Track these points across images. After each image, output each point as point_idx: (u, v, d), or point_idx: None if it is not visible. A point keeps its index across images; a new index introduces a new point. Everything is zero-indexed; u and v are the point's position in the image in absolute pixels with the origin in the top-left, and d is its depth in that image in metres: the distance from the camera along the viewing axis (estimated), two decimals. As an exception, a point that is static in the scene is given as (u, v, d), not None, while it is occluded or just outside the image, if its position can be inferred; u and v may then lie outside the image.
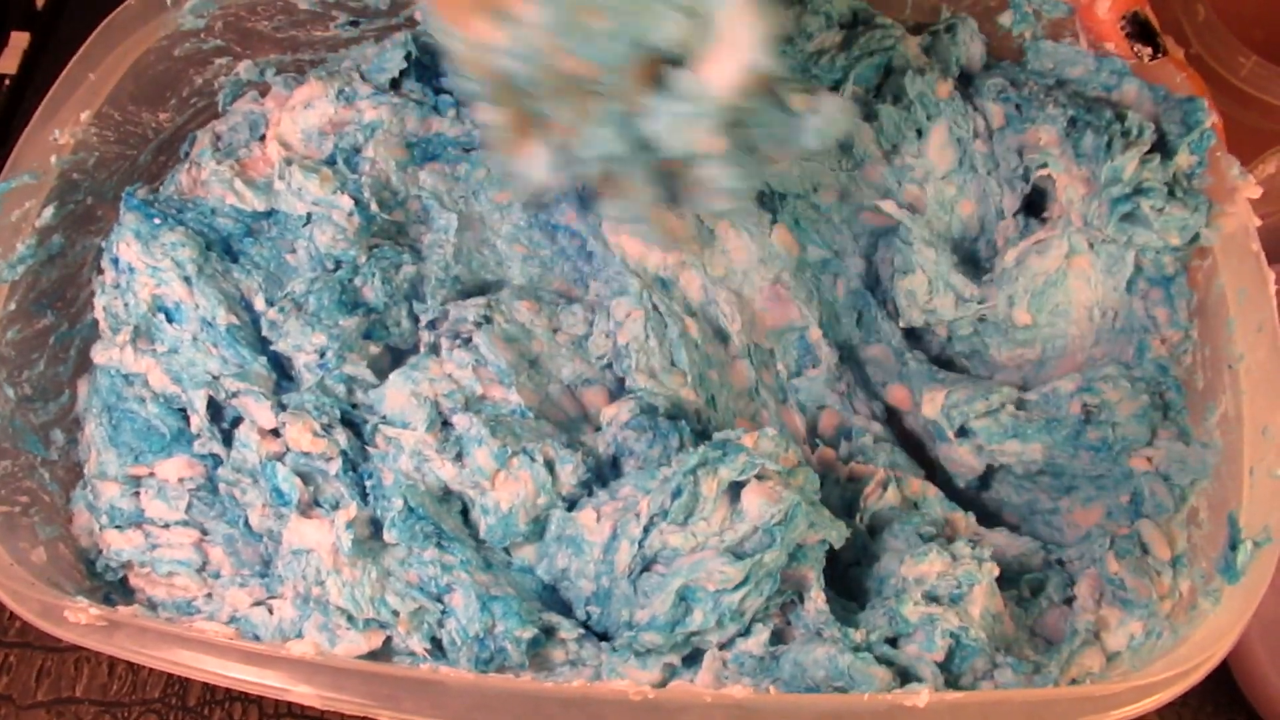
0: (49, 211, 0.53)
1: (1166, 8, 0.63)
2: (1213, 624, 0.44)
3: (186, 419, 0.55)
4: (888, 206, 0.59)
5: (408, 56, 0.61)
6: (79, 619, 0.44)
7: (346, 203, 0.57)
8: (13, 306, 0.52)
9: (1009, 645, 0.49)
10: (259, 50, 0.61)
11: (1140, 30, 0.53)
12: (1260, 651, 0.56)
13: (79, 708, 0.59)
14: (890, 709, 0.41)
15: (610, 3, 0.42)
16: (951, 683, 0.47)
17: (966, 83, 0.60)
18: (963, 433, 0.56)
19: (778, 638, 0.49)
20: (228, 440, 0.54)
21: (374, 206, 0.58)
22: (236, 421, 0.54)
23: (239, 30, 0.60)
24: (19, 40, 0.77)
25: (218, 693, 0.59)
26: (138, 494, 0.54)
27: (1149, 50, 0.53)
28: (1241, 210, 0.51)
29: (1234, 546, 0.45)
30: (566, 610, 0.51)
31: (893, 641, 0.48)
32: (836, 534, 0.50)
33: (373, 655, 0.49)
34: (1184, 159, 0.53)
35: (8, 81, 0.75)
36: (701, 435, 0.54)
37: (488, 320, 0.56)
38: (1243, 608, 0.44)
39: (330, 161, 0.59)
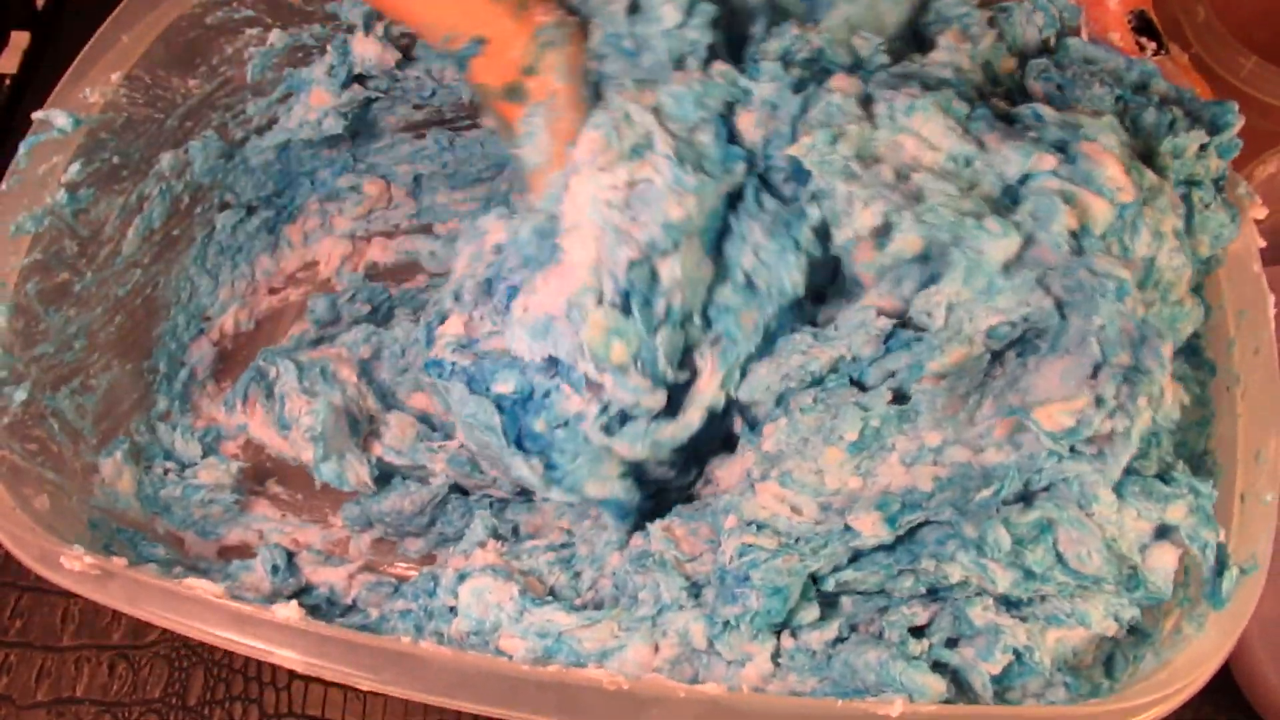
0: (75, 168, 0.54)
1: (1166, 8, 0.62)
2: (1196, 649, 0.44)
3: None
4: None
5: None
6: (73, 566, 0.45)
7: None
8: (38, 256, 0.53)
9: (1076, 670, 0.48)
10: (289, 21, 0.62)
11: (1145, 27, 0.53)
12: (1260, 651, 0.55)
13: (79, 708, 0.59)
14: (864, 717, 0.41)
15: None
16: (1000, 695, 0.47)
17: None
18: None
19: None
20: None
21: None
22: None
23: (270, 0, 0.61)
24: (19, 40, 0.77)
25: (218, 692, 0.60)
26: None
27: (1154, 45, 0.53)
28: (1246, 230, 0.50)
29: (1220, 573, 0.45)
30: None
31: (953, 642, 0.48)
32: None
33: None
34: (1212, 163, 0.51)
35: (8, 81, 0.76)
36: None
37: None
38: (1227, 634, 0.44)
39: None
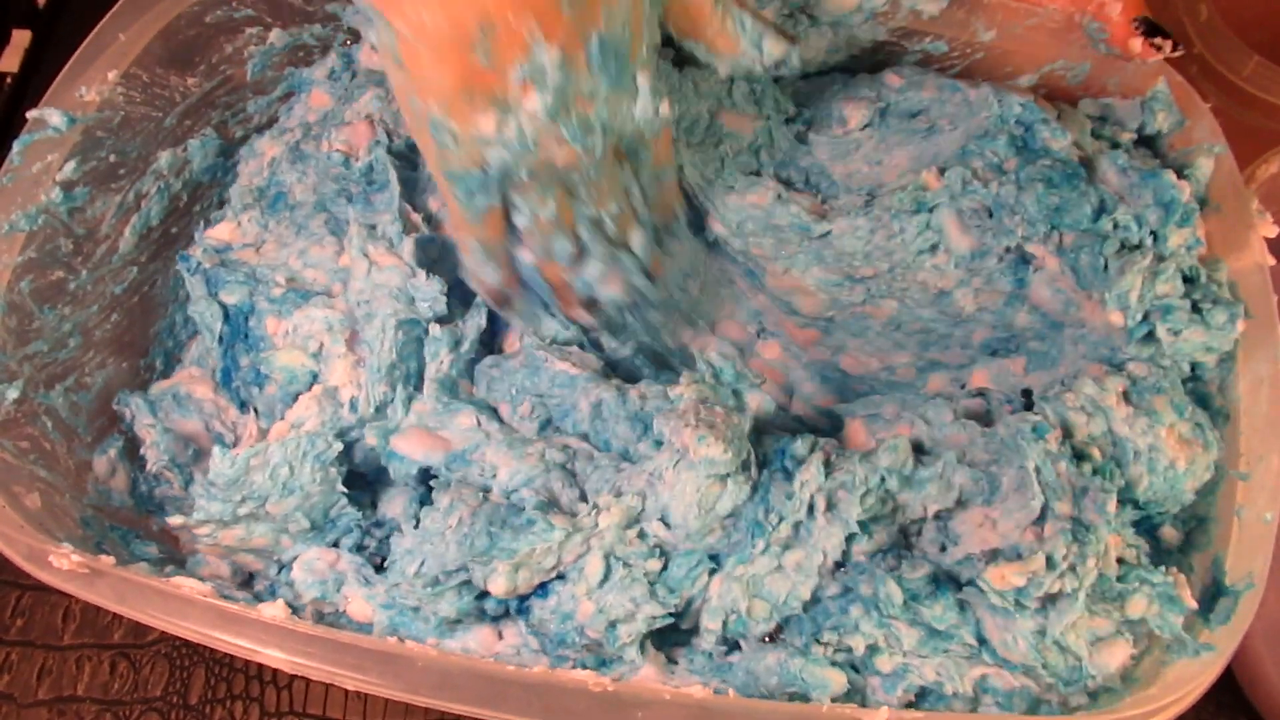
0: (70, 166, 0.54)
1: (1169, 8, 0.62)
2: (1188, 663, 0.43)
3: None
4: None
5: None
6: (61, 564, 0.45)
7: None
8: (32, 254, 0.53)
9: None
10: (290, 20, 0.62)
11: (1152, 29, 0.52)
12: (1263, 651, 0.55)
13: (80, 706, 0.60)
14: (849, 722, 0.41)
15: (598, 89, 0.43)
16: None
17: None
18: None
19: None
20: None
21: None
22: None
23: (270, 0, 0.61)
24: (20, 39, 0.77)
25: (219, 690, 0.60)
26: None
27: (1169, 44, 0.52)
28: (1256, 249, 0.49)
29: (1216, 590, 0.44)
30: None
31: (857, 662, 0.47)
32: None
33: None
34: (1177, 241, 0.49)
35: (9, 80, 0.76)
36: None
37: None
38: (1220, 651, 0.43)
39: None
